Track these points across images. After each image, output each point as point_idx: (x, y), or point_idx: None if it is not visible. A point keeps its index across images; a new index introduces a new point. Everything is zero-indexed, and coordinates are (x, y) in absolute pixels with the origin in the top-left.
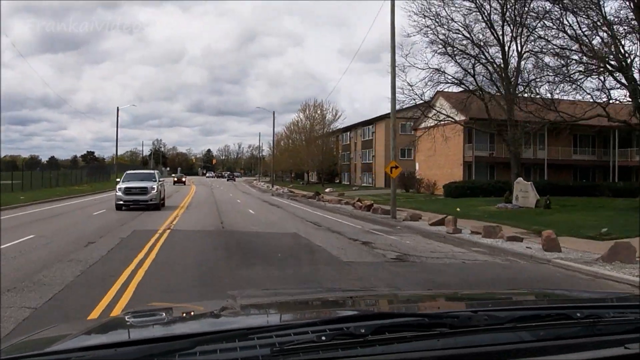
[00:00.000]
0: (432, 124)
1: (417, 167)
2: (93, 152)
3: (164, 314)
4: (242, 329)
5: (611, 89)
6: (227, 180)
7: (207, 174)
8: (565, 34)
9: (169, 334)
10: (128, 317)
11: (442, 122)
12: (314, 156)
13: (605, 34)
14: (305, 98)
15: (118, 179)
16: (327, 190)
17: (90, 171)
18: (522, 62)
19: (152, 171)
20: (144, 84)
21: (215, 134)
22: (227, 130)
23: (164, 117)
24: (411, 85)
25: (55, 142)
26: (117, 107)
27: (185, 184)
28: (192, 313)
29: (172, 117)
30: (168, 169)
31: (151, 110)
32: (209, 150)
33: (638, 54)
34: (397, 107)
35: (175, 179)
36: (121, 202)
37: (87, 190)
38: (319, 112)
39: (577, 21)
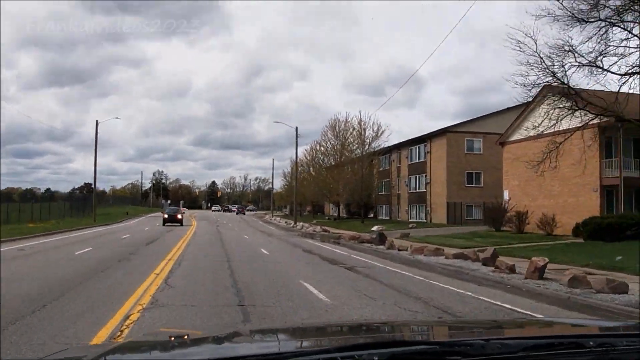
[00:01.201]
0: (532, 133)
1: (506, 196)
2: (90, 184)
3: (177, 340)
4: (256, 356)
5: None
6: (237, 214)
7: (213, 208)
8: None
9: (190, 358)
10: (143, 341)
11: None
12: (348, 183)
13: None
14: (311, 132)
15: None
16: (375, 228)
17: (77, 204)
18: None
19: None
20: (149, 117)
21: (220, 168)
22: (231, 164)
23: (169, 150)
24: (541, 58)
25: (60, 175)
26: (97, 121)
27: (182, 224)
28: (206, 338)
29: (177, 150)
30: (169, 201)
31: (156, 144)
32: (213, 183)
33: None
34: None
35: (166, 217)
36: None
37: (41, 229)
38: (355, 126)
39: None
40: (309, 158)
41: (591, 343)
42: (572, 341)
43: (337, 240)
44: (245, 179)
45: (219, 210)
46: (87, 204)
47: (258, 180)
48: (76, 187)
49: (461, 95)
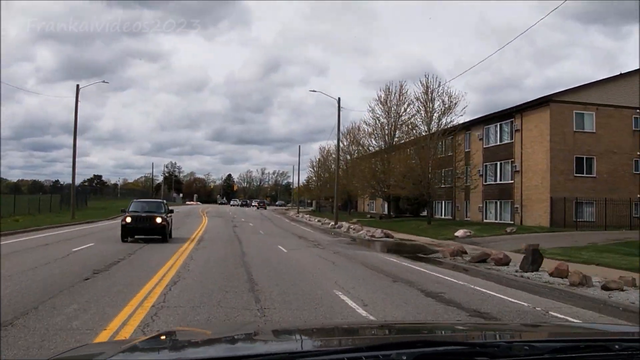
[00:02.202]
0: None
1: None
2: (100, 176)
3: (196, 337)
4: (278, 354)
5: None
6: (257, 208)
7: (232, 202)
8: None
9: (208, 356)
10: (162, 338)
11: None
12: (409, 171)
13: None
14: (328, 127)
15: None
16: (460, 233)
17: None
18: None
19: None
20: (167, 111)
21: (236, 163)
22: (248, 158)
23: (186, 144)
24: None
25: (77, 168)
26: (77, 85)
27: (167, 236)
28: (225, 336)
29: (194, 145)
30: (182, 195)
31: (172, 138)
32: (229, 176)
33: None
34: None
35: (127, 222)
36: None
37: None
38: (419, 96)
39: None
40: (345, 144)
41: (617, 347)
42: (598, 344)
43: (434, 257)
44: (263, 173)
45: (237, 205)
46: (85, 196)
47: (276, 174)
48: (86, 179)
49: (479, 93)
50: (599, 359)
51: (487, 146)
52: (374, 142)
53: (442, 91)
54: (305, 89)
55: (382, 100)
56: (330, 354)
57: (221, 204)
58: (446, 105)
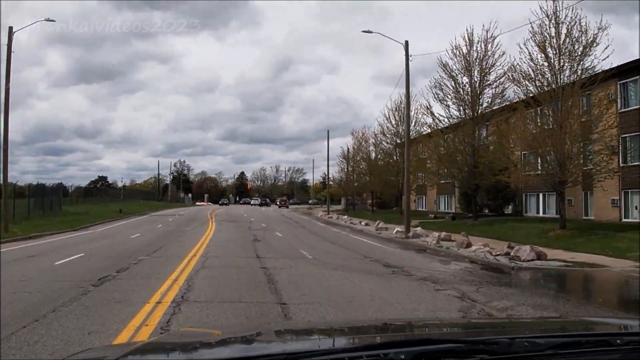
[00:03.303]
0: None
1: None
2: (106, 177)
3: (207, 338)
4: (280, 354)
5: None
6: (279, 207)
7: (252, 201)
8: None
9: (223, 357)
10: (168, 340)
11: None
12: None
13: None
14: (340, 125)
15: None
16: None
17: (59, 200)
18: None
19: None
20: (178, 113)
21: (249, 162)
22: (260, 157)
23: (198, 145)
24: None
25: (90, 172)
26: (10, 27)
27: None
28: (229, 337)
29: (205, 146)
30: (191, 195)
31: (184, 139)
32: (242, 174)
33: None
34: None
35: None
36: None
37: None
38: (537, 30)
39: None
40: (393, 123)
41: (619, 341)
42: (600, 339)
43: None
44: (277, 170)
45: (257, 204)
46: (59, 199)
47: (291, 171)
48: (91, 180)
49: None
50: (600, 353)
51: (625, 110)
52: (453, 110)
53: (570, 23)
54: (316, 87)
55: (461, 51)
56: (330, 353)
57: (222, 204)
58: (581, 44)
